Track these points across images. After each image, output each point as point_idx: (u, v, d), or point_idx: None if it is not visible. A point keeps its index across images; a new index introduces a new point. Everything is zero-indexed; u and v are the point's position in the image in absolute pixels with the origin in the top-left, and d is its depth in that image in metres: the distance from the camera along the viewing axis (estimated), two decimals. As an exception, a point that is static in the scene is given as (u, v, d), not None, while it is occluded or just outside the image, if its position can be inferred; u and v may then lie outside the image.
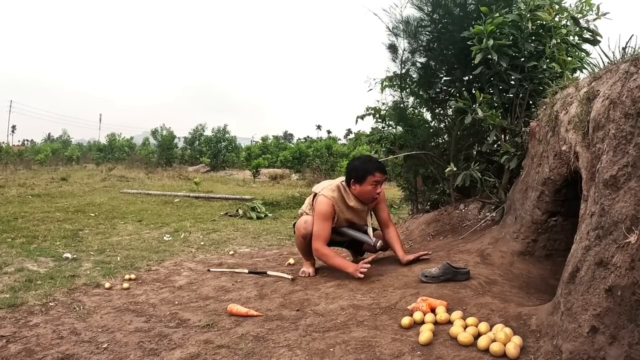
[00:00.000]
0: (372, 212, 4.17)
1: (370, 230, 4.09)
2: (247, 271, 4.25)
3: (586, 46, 4.59)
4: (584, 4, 4.37)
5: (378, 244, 3.98)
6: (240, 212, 9.27)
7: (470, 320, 2.56)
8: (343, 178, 4.08)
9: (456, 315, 2.65)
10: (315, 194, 4.05)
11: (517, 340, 2.28)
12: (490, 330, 2.43)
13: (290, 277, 3.92)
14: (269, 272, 4.12)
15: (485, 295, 2.96)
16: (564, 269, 2.34)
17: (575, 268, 2.13)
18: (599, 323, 1.87)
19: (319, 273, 3.99)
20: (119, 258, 4.96)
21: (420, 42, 5.39)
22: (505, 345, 2.24)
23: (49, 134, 79.75)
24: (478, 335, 2.40)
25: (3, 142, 42.62)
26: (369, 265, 3.60)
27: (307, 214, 4.08)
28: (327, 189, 3.98)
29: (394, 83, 5.84)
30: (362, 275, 3.52)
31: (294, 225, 4.20)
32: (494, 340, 2.30)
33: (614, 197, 1.93)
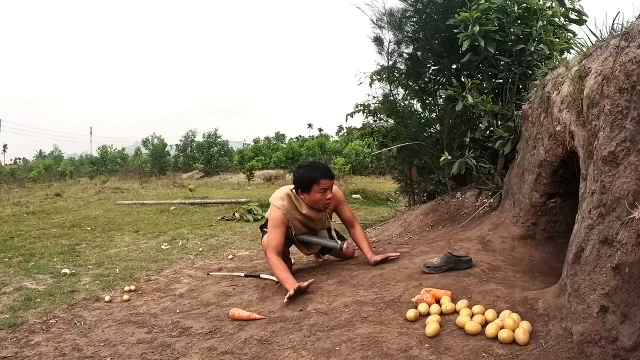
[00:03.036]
0: (336, 214, 4.08)
1: (333, 234, 4.08)
2: (243, 274, 4.23)
3: (573, 27, 4.58)
4: (567, -16, 4.36)
5: (344, 246, 3.92)
6: (237, 215, 9.24)
7: (477, 308, 2.53)
8: (290, 186, 3.94)
9: (462, 304, 2.62)
10: None
11: (525, 325, 2.25)
12: (498, 317, 2.41)
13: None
14: (261, 275, 4.08)
15: (489, 282, 2.93)
16: (567, 250, 2.32)
17: (580, 248, 2.10)
18: (609, 302, 1.85)
19: (319, 270, 3.95)
20: (117, 270, 4.91)
21: (405, 32, 5.37)
22: (514, 332, 2.22)
23: (40, 150, 79.45)
24: (485, 323, 2.38)
25: (-6, 162, 42.36)
26: (308, 282, 3.31)
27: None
28: (277, 197, 3.86)
29: (382, 76, 5.82)
30: (291, 293, 3.17)
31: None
32: (502, 327, 2.27)
33: (614, 173, 1.91)
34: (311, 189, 3.72)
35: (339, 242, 3.92)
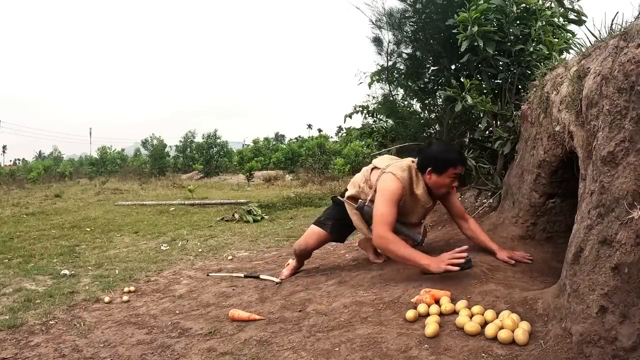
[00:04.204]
0: (443, 205, 3.68)
1: (421, 229, 3.65)
2: (242, 275, 4.23)
3: (572, 27, 4.58)
4: (566, -16, 4.36)
5: (423, 242, 3.63)
6: (237, 216, 9.24)
7: (476, 308, 2.52)
8: (410, 158, 3.50)
9: (461, 304, 2.62)
10: (374, 168, 3.53)
11: (525, 325, 2.25)
12: (497, 317, 2.40)
13: (278, 280, 3.84)
14: (261, 276, 4.08)
15: (488, 282, 2.92)
16: (567, 250, 2.31)
17: (579, 248, 2.10)
18: (608, 302, 1.84)
19: (319, 270, 3.94)
20: (117, 271, 4.90)
21: (405, 33, 5.36)
22: (513, 332, 2.21)
23: (40, 151, 79.37)
24: (485, 324, 2.37)
25: (-6, 163, 42.32)
26: (464, 255, 2.92)
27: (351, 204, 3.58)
28: (397, 167, 3.37)
29: (382, 76, 5.82)
30: (455, 268, 2.87)
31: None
32: (501, 328, 2.27)
33: (613, 173, 1.90)
34: (446, 171, 3.29)
35: (419, 235, 3.57)
